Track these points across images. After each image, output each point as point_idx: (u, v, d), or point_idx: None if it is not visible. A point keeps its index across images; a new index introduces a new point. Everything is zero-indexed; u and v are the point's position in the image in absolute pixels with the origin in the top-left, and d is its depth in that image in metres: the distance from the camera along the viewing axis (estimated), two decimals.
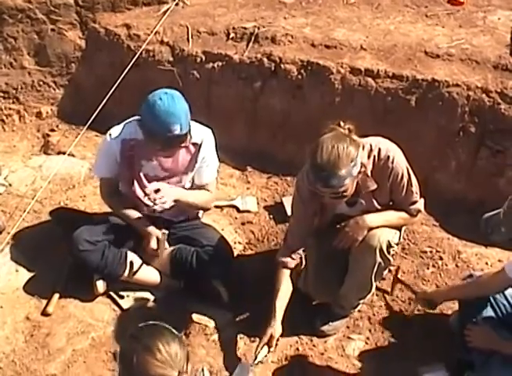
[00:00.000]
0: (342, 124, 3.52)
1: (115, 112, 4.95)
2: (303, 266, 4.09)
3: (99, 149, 4.30)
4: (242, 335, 4.06)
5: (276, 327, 3.77)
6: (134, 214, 4.14)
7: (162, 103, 3.69)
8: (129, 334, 2.60)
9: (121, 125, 4.03)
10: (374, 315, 4.20)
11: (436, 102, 4.74)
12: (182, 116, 3.72)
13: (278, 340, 3.80)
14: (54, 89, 5.65)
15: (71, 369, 3.85)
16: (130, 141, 3.98)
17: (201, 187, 4.20)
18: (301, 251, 3.97)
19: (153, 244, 4.10)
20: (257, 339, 3.88)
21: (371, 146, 3.66)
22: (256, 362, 3.75)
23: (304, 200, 3.81)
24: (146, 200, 3.99)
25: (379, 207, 3.79)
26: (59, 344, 3.98)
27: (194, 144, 4.03)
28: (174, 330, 2.61)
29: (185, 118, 3.75)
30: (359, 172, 3.50)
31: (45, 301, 4.18)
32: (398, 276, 4.27)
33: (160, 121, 3.69)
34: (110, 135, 4.02)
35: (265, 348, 3.76)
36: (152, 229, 4.11)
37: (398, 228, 3.90)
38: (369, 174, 3.64)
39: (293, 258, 3.92)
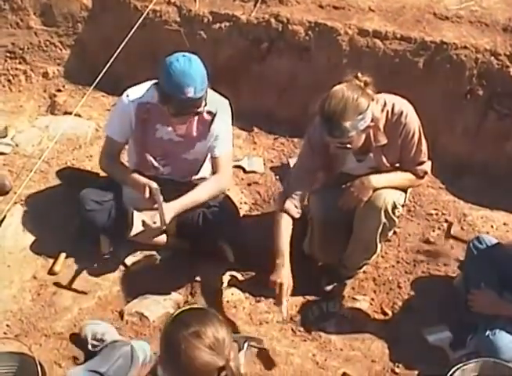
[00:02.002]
0: (360, 75, 3.51)
1: (121, 72, 4.96)
2: (308, 228, 4.11)
3: (114, 107, 4.27)
4: (247, 295, 4.09)
5: (288, 275, 3.67)
6: (126, 170, 4.11)
7: (178, 64, 3.65)
8: (174, 318, 2.44)
9: (139, 87, 3.99)
10: (379, 276, 4.22)
11: (444, 64, 4.72)
12: (197, 79, 3.67)
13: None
14: (60, 49, 5.62)
15: (77, 327, 3.87)
16: (146, 104, 3.94)
17: (214, 160, 4.12)
18: (299, 204, 3.82)
19: (146, 194, 3.94)
20: (263, 299, 3.92)
21: (385, 100, 3.65)
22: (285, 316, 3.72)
23: (314, 149, 3.77)
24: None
25: (387, 164, 3.78)
26: (66, 303, 4.01)
27: (209, 112, 3.99)
28: (219, 316, 2.47)
29: (201, 82, 3.69)
30: (369, 127, 3.49)
31: (51, 261, 4.20)
32: (451, 232, 4.33)
33: (174, 81, 3.65)
34: (128, 96, 3.97)
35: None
36: (144, 179, 3.99)
37: (404, 190, 3.90)
38: (382, 128, 3.63)
39: (296, 207, 3.81)
